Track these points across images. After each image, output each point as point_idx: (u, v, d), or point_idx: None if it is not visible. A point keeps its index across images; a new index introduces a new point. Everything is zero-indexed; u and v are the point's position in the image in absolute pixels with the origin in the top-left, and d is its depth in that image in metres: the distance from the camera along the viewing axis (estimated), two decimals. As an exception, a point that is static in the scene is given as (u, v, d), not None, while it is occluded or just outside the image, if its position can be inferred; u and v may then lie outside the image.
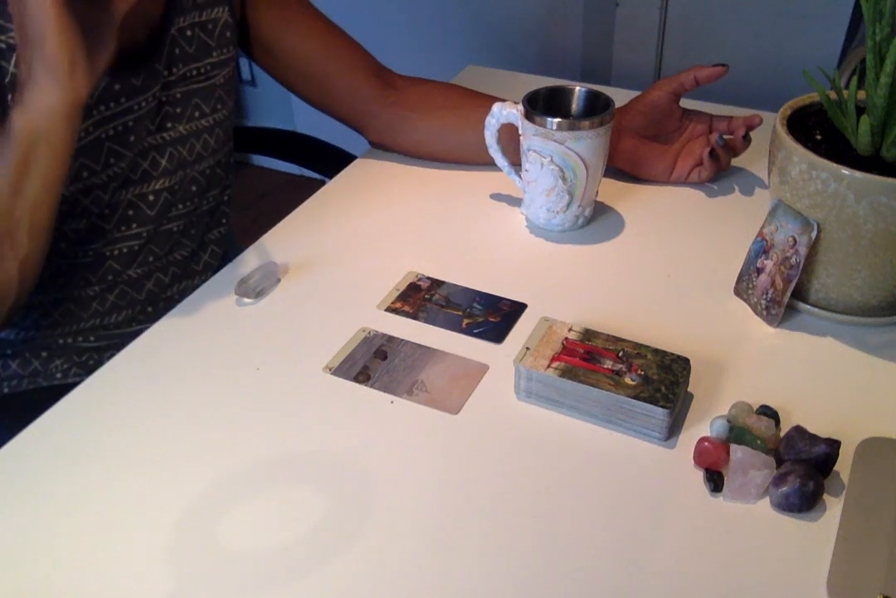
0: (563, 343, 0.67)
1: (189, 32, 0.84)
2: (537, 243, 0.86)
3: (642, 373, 0.64)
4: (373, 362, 0.71)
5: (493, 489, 0.60)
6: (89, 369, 0.70)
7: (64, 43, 0.62)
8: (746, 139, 0.90)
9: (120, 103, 0.79)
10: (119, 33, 0.78)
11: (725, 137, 0.90)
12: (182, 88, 0.85)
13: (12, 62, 0.70)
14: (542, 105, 0.84)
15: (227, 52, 0.89)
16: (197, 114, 0.87)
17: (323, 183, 0.97)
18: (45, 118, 0.65)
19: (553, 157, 0.81)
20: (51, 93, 0.64)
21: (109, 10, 0.65)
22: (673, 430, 0.64)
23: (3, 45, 0.70)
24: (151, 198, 0.86)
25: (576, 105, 0.87)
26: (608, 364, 0.65)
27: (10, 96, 0.71)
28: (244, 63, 2.29)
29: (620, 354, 0.66)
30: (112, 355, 0.73)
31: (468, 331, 0.74)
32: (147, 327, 0.76)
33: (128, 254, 0.87)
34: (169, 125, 0.85)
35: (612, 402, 0.63)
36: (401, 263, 0.83)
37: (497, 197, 0.94)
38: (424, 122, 0.96)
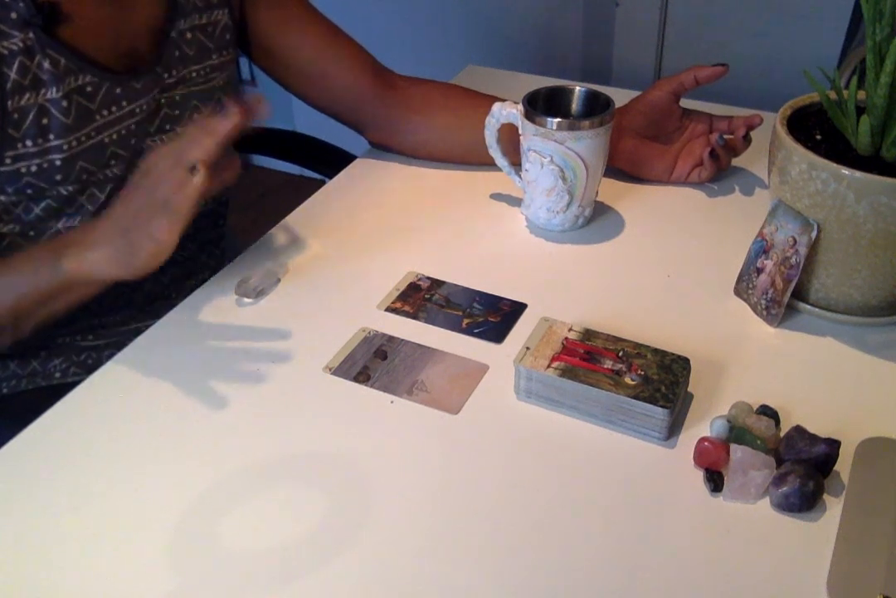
0: (563, 343, 0.67)
1: (189, 35, 0.84)
2: (537, 243, 0.86)
3: (642, 373, 0.64)
4: (373, 362, 0.71)
5: (492, 489, 0.60)
6: (88, 369, 0.70)
7: (151, 264, 0.67)
8: (747, 139, 0.90)
9: (122, 107, 0.79)
10: (119, 39, 0.78)
11: (726, 137, 0.90)
12: (181, 91, 0.85)
13: (13, 68, 0.70)
14: (542, 105, 0.84)
15: (227, 54, 0.89)
16: (196, 116, 0.87)
17: (323, 183, 0.97)
18: (96, 279, 0.70)
19: (553, 157, 0.81)
20: (111, 271, 0.69)
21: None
22: (673, 430, 0.64)
23: (5, 52, 0.70)
24: None
25: (576, 105, 0.87)
26: (608, 364, 0.65)
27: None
28: (244, 63, 2.28)
29: (620, 354, 0.66)
30: (111, 354, 0.73)
31: (468, 331, 0.74)
32: (146, 326, 0.76)
33: None
34: (168, 127, 0.85)
35: (612, 402, 0.63)
36: (401, 263, 0.83)
37: (497, 197, 0.94)
38: (424, 122, 0.96)
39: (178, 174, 0.65)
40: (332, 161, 1.12)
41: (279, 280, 0.81)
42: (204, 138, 0.66)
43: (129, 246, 0.67)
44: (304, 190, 0.95)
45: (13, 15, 0.69)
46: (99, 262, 0.68)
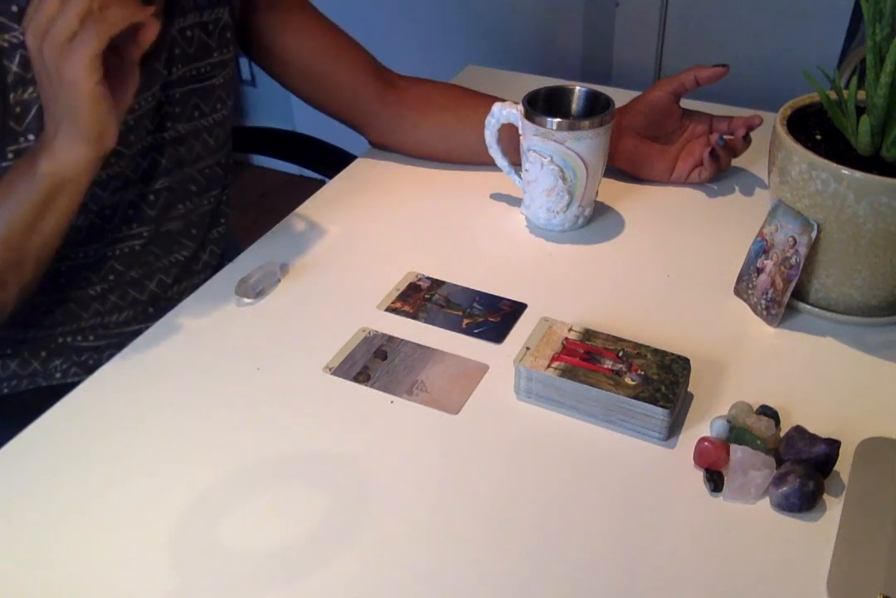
0: (563, 343, 0.67)
1: (189, 33, 0.84)
2: (537, 243, 0.86)
3: (642, 373, 0.64)
4: (373, 362, 0.71)
5: (492, 489, 0.60)
6: (89, 369, 0.70)
7: (97, 113, 0.65)
8: (747, 140, 0.90)
9: None
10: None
11: (726, 137, 0.90)
12: (181, 88, 0.85)
13: (15, 61, 0.70)
14: (542, 105, 0.84)
15: (227, 52, 0.89)
16: (196, 114, 0.87)
17: (323, 183, 0.97)
18: (72, 168, 0.68)
19: (553, 157, 0.81)
20: (79, 148, 0.67)
21: (129, 56, 0.67)
22: (673, 430, 0.64)
23: (6, 44, 0.70)
24: (152, 197, 0.86)
25: (576, 105, 0.87)
26: (608, 364, 0.65)
27: (24, 119, 0.73)
28: (244, 63, 2.28)
29: (620, 354, 0.66)
30: (112, 355, 0.73)
31: (468, 331, 0.74)
32: (147, 327, 0.76)
33: (129, 254, 0.87)
34: (168, 125, 0.85)
35: (612, 402, 0.63)
36: (401, 263, 0.83)
37: (497, 197, 0.94)
38: (424, 122, 0.96)
39: (66, 18, 0.61)
40: (332, 161, 1.12)
41: (279, 280, 0.81)
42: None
43: (69, 111, 0.65)
44: (304, 190, 0.95)
45: (13, 8, 0.69)
46: (63, 147, 0.66)
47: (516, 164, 0.88)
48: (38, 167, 0.67)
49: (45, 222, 0.70)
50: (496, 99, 0.90)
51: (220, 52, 0.88)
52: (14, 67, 0.71)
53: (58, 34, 0.62)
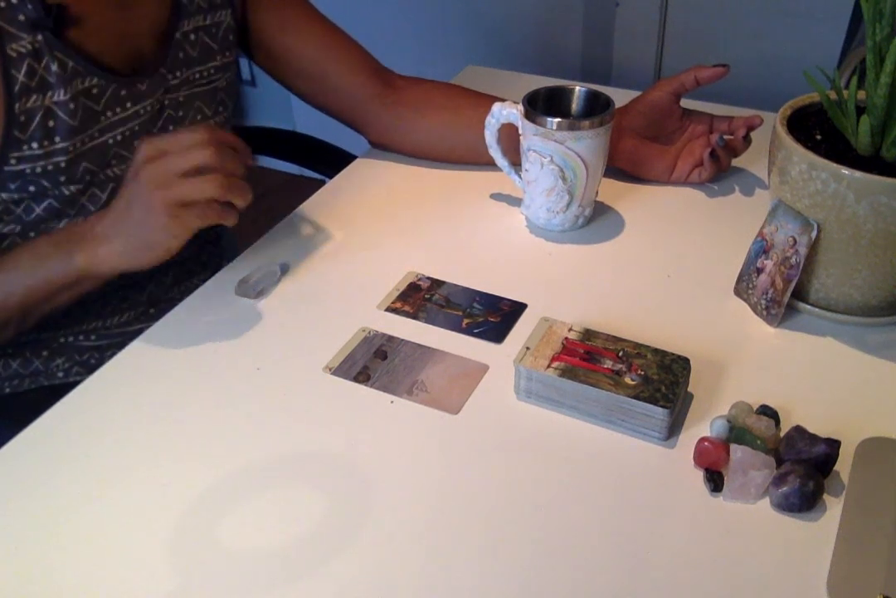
0: (563, 343, 0.67)
1: (193, 36, 0.84)
2: (537, 243, 0.86)
3: (642, 373, 0.64)
4: (373, 362, 0.71)
5: (492, 489, 0.60)
6: (91, 368, 0.70)
7: (166, 244, 0.69)
8: (747, 140, 0.90)
9: (126, 109, 0.79)
10: (125, 41, 0.78)
11: (726, 137, 0.90)
12: (185, 92, 0.85)
13: (22, 70, 0.71)
14: (542, 105, 0.84)
15: (230, 55, 0.89)
16: (199, 117, 0.88)
17: (323, 183, 0.97)
18: (108, 270, 0.72)
19: (553, 157, 0.81)
20: (124, 260, 0.71)
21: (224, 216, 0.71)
22: (673, 430, 0.64)
23: (14, 54, 0.70)
24: None
25: (576, 105, 0.87)
26: (608, 364, 0.65)
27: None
28: (244, 63, 2.29)
29: (620, 354, 0.66)
30: (114, 354, 0.73)
31: (468, 331, 0.74)
32: (149, 327, 0.76)
33: None
34: (171, 128, 0.85)
35: (612, 402, 0.63)
36: (401, 263, 0.83)
37: (497, 197, 0.94)
38: (424, 122, 0.96)
39: (198, 179, 0.67)
40: (332, 161, 1.12)
41: (279, 280, 0.81)
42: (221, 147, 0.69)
43: (143, 240, 0.69)
44: (304, 190, 0.95)
45: (21, 17, 0.70)
46: (111, 255, 0.70)
47: (516, 164, 0.88)
48: (76, 259, 0.70)
49: (62, 297, 0.74)
50: (496, 99, 0.90)
51: (222, 55, 0.88)
52: (21, 77, 0.71)
53: (179, 196, 0.67)
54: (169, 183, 0.67)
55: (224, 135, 0.70)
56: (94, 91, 0.76)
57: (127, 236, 0.70)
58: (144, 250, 0.70)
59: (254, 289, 0.79)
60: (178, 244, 0.70)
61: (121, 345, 0.74)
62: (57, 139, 0.74)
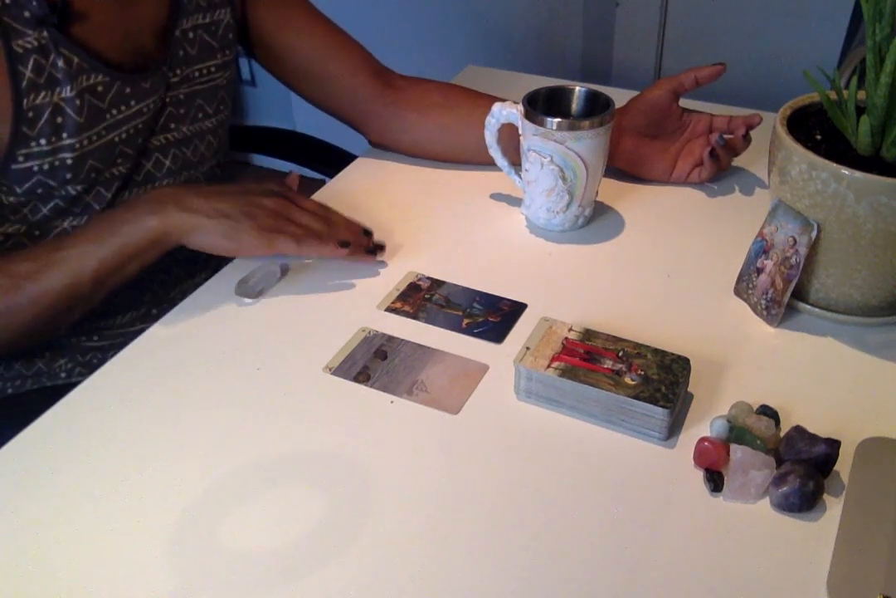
0: (563, 343, 0.67)
1: (192, 34, 0.84)
2: (537, 243, 0.86)
3: (642, 373, 0.64)
4: (373, 362, 0.71)
5: (492, 489, 0.60)
6: (93, 369, 0.70)
7: (245, 251, 0.77)
8: (746, 139, 0.90)
9: (130, 106, 0.79)
10: (127, 38, 0.78)
11: (726, 136, 0.90)
12: (186, 90, 0.85)
13: (29, 66, 0.71)
14: (542, 105, 0.84)
15: (230, 53, 0.89)
16: (200, 115, 0.88)
17: (323, 183, 0.97)
18: (175, 240, 0.74)
19: (553, 157, 0.81)
20: (201, 237, 0.75)
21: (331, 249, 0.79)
22: (673, 430, 0.64)
23: (20, 50, 0.70)
24: None
25: (576, 105, 0.87)
26: (608, 364, 0.65)
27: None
28: (244, 63, 2.29)
29: (620, 354, 0.66)
30: (116, 354, 0.73)
31: (468, 331, 0.74)
32: (151, 327, 0.76)
33: None
34: (172, 126, 0.85)
35: (611, 402, 0.63)
36: (401, 263, 0.83)
37: (497, 197, 0.94)
38: (424, 121, 0.96)
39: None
40: (332, 161, 1.12)
41: (279, 280, 0.81)
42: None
43: (230, 229, 0.74)
44: (304, 190, 0.95)
45: (26, 13, 0.70)
46: (188, 226, 0.73)
47: (516, 164, 0.88)
48: (149, 218, 0.72)
49: (131, 267, 0.74)
50: (496, 99, 0.90)
51: (222, 53, 0.88)
52: (28, 73, 0.71)
53: (290, 221, 0.77)
54: (286, 210, 0.78)
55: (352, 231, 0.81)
56: (100, 88, 0.76)
57: (218, 219, 0.73)
58: (221, 237, 0.74)
59: (254, 289, 0.79)
60: (255, 252, 0.76)
61: (123, 345, 0.74)
62: (64, 136, 0.74)
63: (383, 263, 0.82)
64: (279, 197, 0.79)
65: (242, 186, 0.79)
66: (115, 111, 0.78)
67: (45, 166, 0.75)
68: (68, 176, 0.76)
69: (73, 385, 0.70)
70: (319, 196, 0.94)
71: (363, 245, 0.80)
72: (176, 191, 0.75)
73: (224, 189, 0.77)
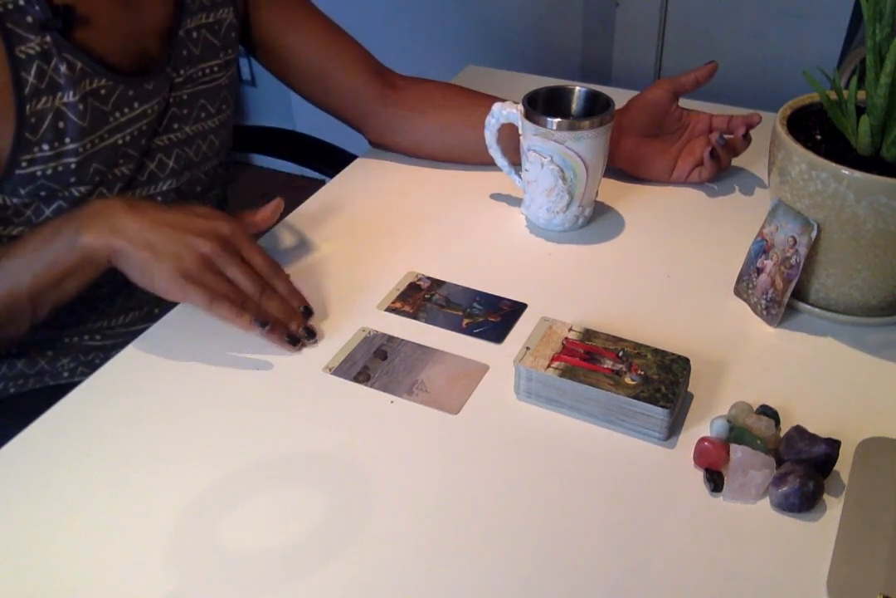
0: (563, 343, 0.67)
1: (195, 34, 0.84)
2: (537, 243, 0.86)
3: (642, 373, 0.64)
4: (373, 362, 0.71)
5: (492, 489, 0.60)
6: (96, 368, 0.70)
7: (155, 290, 0.70)
8: (746, 138, 0.90)
9: (134, 109, 0.79)
10: (130, 40, 0.78)
11: (725, 136, 0.90)
12: (189, 90, 0.85)
13: (31, 72, 0.71)
14: (542, 105, 0.84)
15: (232, 52, 0.89)
16: (203, 115, 0.88)
17: (323, 183, 0.97)
18: (104, 261, 0.70)
19: (553, 157, 0.81)
20: (124, 262, 0.69)
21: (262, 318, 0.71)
22: (673, 430, 0.64)
23: (23, 56, 0.70)
24: (159, 199, 0.86)
25: (576, 105, 0.87)
26: (608, 364, 0.65)
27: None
28: (244, 63, 2.29)
29: (620, 354, 0.66)
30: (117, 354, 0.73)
31: (468, 331, 0.74)
32: (151, 327, 0.76)
33: None
34: (175, 126, 0.85)
35: (612, 402, 0.63)
36: (401, 263, 0.83)
37: (497, 197, 0.94)
38: (424, 121, 0.96)
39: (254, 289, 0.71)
40: (332, 161, 1.12)
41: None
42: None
43: (148, 264, 0.68)
44: (304, 190, 0.95)
45: (29, 19, 0.70)
46: (115, 250, 0.68)
47: (516, 164, 0.88)
48: (81, 234, 0.68)
49: (69, 284, 0.71)
50: (496, 99, 0.90)
51: (225, 53, 0.88)
52: (31, 78, 0.71)
53: (214, 273, 0.69)
54: (219, 260, 0.70)
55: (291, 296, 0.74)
56: (103, 92, 0.76)
57: (142, 251, 0.68)
58: (138, 269, 0.69)
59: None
60: (165, 296, 0.69)
61: (125, 345, 0.74)
62: (67, 140, 0.74)
63: (299, 353, 0.73)
64: (222, 243, 0.70)
65: (191, 216, 0.71)
66: (118, 114, 0.78)
67: (49, 171, 0.75)
68: (72, 179, 0.76)
69: (75, 385, 0.70)
70: (319, 196, 0.94)
71: (294, 326, 0.72)
72: (117, 208, 0.70)
73: (167, 217, 0.70)
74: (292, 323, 0.72)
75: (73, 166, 0.75)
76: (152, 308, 0.92)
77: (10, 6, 0.69)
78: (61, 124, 0.73)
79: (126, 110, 0.78)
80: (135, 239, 0.68)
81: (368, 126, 0.99)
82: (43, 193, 0.76)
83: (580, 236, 0.87)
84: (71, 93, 0.73)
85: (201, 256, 0.69)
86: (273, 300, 0.72)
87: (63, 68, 0.72)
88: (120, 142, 0.79)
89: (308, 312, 0.74)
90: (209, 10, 0.85)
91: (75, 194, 0.78)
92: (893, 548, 0.54)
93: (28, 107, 0.71)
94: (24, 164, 0.73)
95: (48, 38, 0.71)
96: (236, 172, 1.04)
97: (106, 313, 0.88)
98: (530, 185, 0.86)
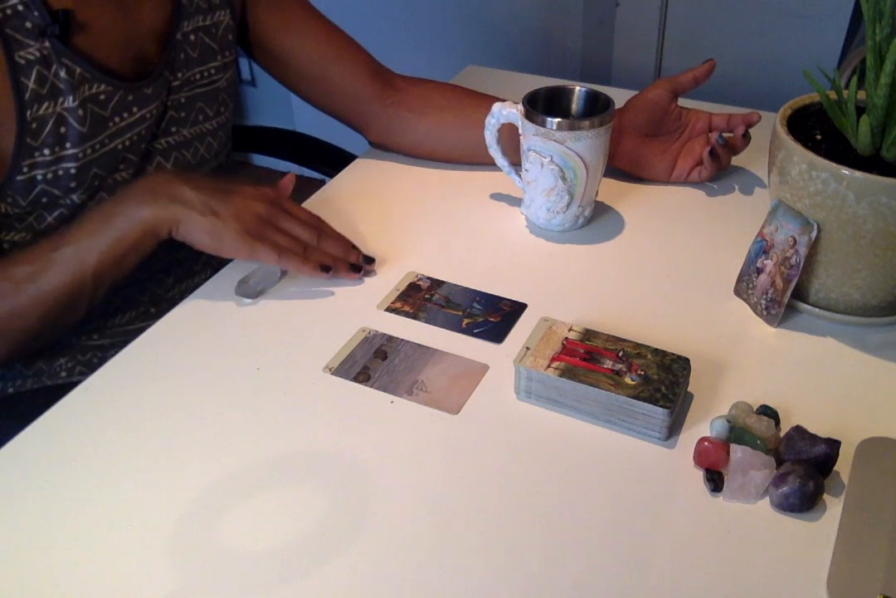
0: (563, 343, 0.67)
1: (193, 37, 0.84)
2: (537, 243, 0.86)
3: (642, 373, 0.64)
4: (373, 362, 0.71)
5: (492, 489, 0.60)
6: (94, 368, 0.71)
7: (225, 252, 0.76)
8: (746, 137, 0.90)
9: (133, 113, 0.79)
10: (128, 45, 0.78)
11: (725, 135, 0.90)
12: (186, 93, 0.85)
13: (32, 77, 0.71)
14: (542, 105, 0.84)
15: (230, 54, 0.89)
16: (201, 117, 0.88)
17: (323, 183, 0.97)
18: (165, 232, 0.73)
19: (553, 157, 0.81)
20: (186, 231, 0.73)
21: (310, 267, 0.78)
22: (673, 430, 0.64)
23: (23, 61, 0.70)
24: None
25: (576, 105, 0.87)
26: (608, 364, 0.65)
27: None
28: (244, 63, 2.29)
29: (620, 354, 0.66)
30: (116, 354, 0.73)
31: (468, 331, 0.74)
32: (150, 326, 0.76)
33: None
34: (173, 130, 0.85)
35: (612, 402, 0.63)
36: (401, 263, 0.83)
37: (497, 197, 0.94)
38: (424, 122, 0.96)
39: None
40: (332, 161, 1.12)
41: (279, 280, 0.81)
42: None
43: (214, 228, 0.73)
44: (304, 190, 0.95)
45: (28, 24, 0.70)
46: (177, 219, 0.72)
47: (516, 164, 0.88)
48: (142, 208, 0.72)
49: (129, 260, 0.73)
50: (496, 99, 0.90)
51: (223, 55, 0.88)
52: (31, 84, 0.71)
53: (277, 226, 0.76)
54: (276, 218, 0.77)
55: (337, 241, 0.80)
56: (102, 97, 0.76)
57: (207, 216, 0.72)
58: (206, 233, 0.73)
59: (254, 289, 0.79)
60: (235, 255, 0.75)
61: (123, 344, 0.74)
62: (67, 145, 0.74)
63: (361, 281, 0.81)
64: (271, 203, 0.77)
65: (237, 185, 0.77)
66: (117, 119, 0.78)
67: (49, 176, 0.75)
68: (72, 185, 0.76)
69: (73, 384, 0.70)
70: (319, 196, 0.94)
71: (351, 260, 0.79)
72: (171, 179, 0.74)
73: (218, 186, 0.76)
74: (351, 256, 0.80)
75: (72, 171, 0.75)
76: (149, 307, 0.92)
77: (10, 12, 0.69)
78: (62, 129, 0.74)
79: (125, 115, 0.78)
80: (198, 206, 0.72)
81: (369, 127, 0.99)
82: (44, 200, 0.76)
83: (580, 236, 0.87)
84: (71, 98, 0.73)
85: (259, 216, 0.75)
86: (329, 241, 0.79)
87: (63, 73, 0.72)
88: (120, 147, 0.79)
89: (356, 249, 0.81)
90: (206, 12, 0.85)
91: (76, 201, 0.78)
92: (893, 548, 0.54)
93: (29, 112, 0.71)
94: (25, 169, 0.73)
95: (47, 44, 0.71)
96: (236, 172, 1.04)
97: (103, 312, 0.88)
98: (530, 185, 0.86)
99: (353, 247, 0.81)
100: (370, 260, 0.81)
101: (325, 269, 0.77)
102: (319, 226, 0.80)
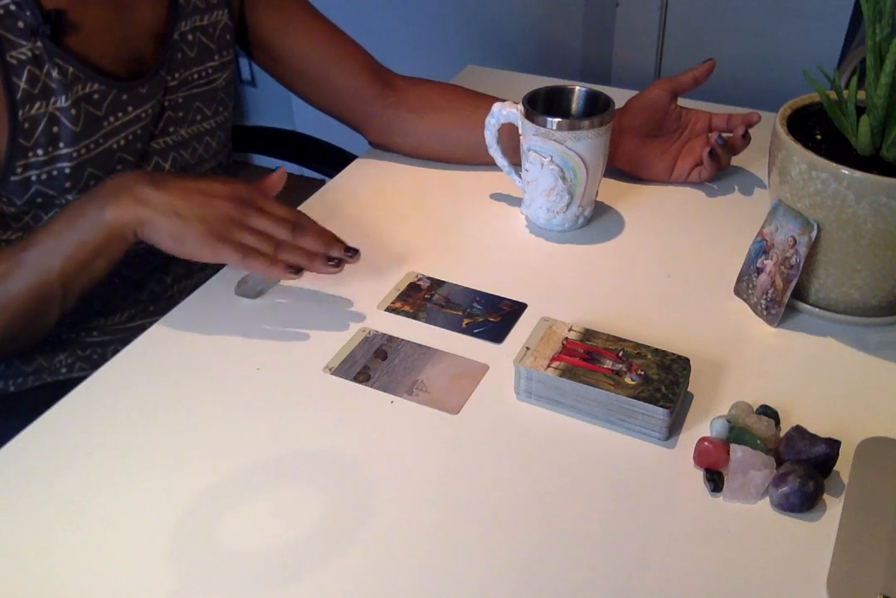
0: (563, 343, 0.67)
1: (190, 37, 0.84)
2: (537, 243, 0.86)
3: (642, 373, 0.64)
4: (373, 362, 0.71)
5: (492, 489, 0.60)
6: (94, 364, 0.71)
7: (190, 256, 0.71)
8: (746, 137, 0.90)
9: (127, 113, 0.79)
10: (123, 44, 0.78)
11: (725, 135, 0.90)
12: (184, 93, 0.85)
13: (23, 77, 0.71)
14: (542, 105, 0.84)
15: (227, 54, 0.89)
16: (199, 117, 0.88)
17: (323, 183, 0.97)
18: (131, 235, 0.70)
19: (553, 157, 0.81)
20: (151, 233, 0.70)
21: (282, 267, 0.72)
22: (673, 430, 0.64)
23: (14, 61, 0.70)
24: None
25: (576, 105, 0.87)
26: (608, 364, 0.65)
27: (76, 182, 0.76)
28: (244, 63, 2.28)
29: (620, 354, 0.66)
30: (116, 350, 0.73)
31: (468, 331, 0.74)
32: (150, 323, 0.76)
33: (133, 255, 0.87)
34: (171, 130, 0.85)
35: (612, 402, 0.63)
36: (401, 263, 0.83)
37: (497, 197, 0.94)
38: (424, 122, 0.96)
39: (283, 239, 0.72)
40: (332, 161, 1.12)
41: (279, 280, 0.81)
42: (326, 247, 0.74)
43: (179, 231, 0.69)
44: (304, 190, 0.95)
45: (20, 24, 0.70)
46: (142, 221, 0.69)
47: (516, 164, 0.88)
48: (105, 210, 0.69)
49: (97, 265, 0.71)
50: (496, 99, 0.90)
51: (220, 55, 0.88)
52: (22, 84, 0.71)
53: (244, 225, 0.71)
54: (244, 217, 0.71)
55: (319, 231, 0.75)
56: (96, 97, 0.76)
57: (169, 217, 0.69)
58: (168, 236, 0.70)
59: (254, 289, 0.79)
60: (198, 258, 0.70)
61: (123, 341, 0.74)
62: (61, 145, 0.74)
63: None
64: (241, 202, 0.72)
65: (210, 184, 0.73)
66: (112, 118, 0.78)
67: (43, 176, 0.75)
68: (67, 185, 0.76)
69: (73, 380, 0.69)
70: (319, 196, 0.94)
71: (332, 253, 0.74)
72: (137, 180, 0.71)
73: (187, 185, 0.71)
74: (333, 249, 0.74)
75: (67, 171, 0.75)
76: (147, 305, 0.92)
77: (2, 12, 0.69)
78: (55, 129, 0.73)
79: (120, 115, 0.78)
80: (160, 207, 0.69)
81: (369, 127, 0.99)
82: (39, 200, 0.76)
83: (580, 236, 0.87)
84: (63, 98, 0.73)
85: (227, 215, 0.70)
86: (306, 235, 0.73)
87: (55, 73, 0.72)
88: (115, 146, 0.79)
89: (339, 242, 0.76)
90: (203, 12, 0.85)
91: (70, 199, 0.78)
92: (893, 548, 0.54)
93: (21, 112, 0.71)
94: (18, 169, 0.73)
95: (39, 44, 0.71)
96: (236, 172, 1.04)
97: (102, 311, 0.88)
98: (530, 185, 0.86)
99: (337, 240, 0.75)
100: (353, 251, 0.74)
101: (296, 270, 0.71)
102: (297, 220, 0.74)
